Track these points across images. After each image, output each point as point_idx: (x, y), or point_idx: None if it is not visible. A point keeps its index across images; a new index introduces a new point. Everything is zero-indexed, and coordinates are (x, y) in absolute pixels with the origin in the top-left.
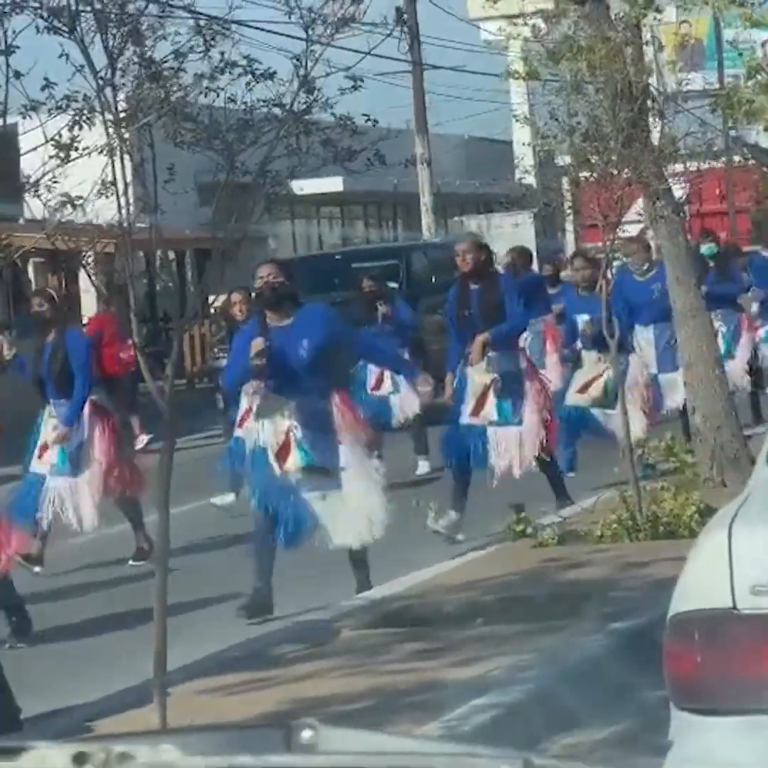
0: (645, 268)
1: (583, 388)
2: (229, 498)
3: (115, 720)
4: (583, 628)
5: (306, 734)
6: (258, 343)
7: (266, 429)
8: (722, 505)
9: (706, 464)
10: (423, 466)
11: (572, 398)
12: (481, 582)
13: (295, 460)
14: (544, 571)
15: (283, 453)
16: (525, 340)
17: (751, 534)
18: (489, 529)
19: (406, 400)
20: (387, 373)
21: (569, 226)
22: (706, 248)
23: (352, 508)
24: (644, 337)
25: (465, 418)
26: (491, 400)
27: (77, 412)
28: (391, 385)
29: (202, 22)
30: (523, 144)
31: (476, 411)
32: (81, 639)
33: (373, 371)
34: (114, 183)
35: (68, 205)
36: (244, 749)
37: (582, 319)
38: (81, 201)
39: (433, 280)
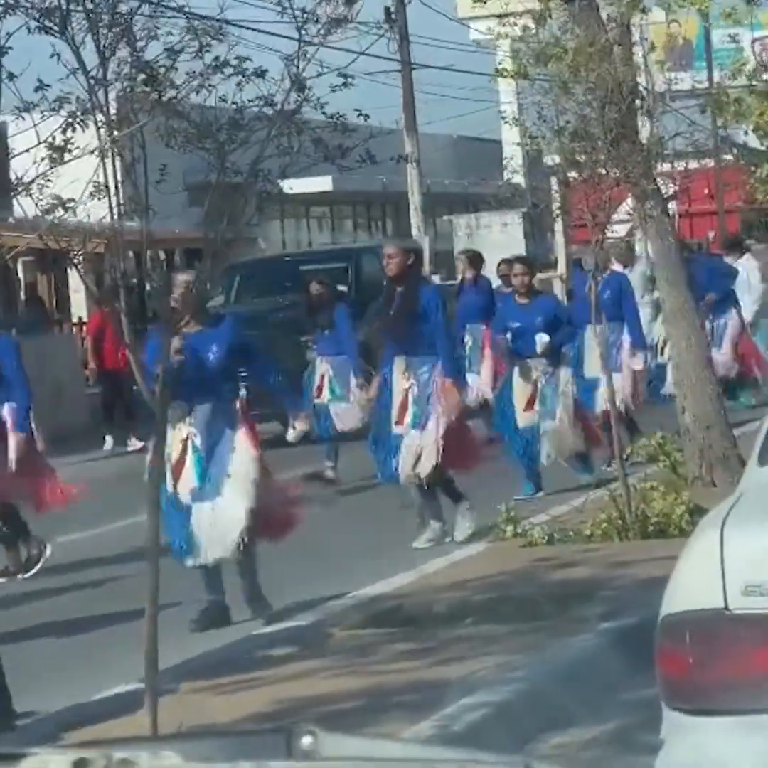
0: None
1: (529, 405)
2: None
3: (106, 720)
4: (572, 627)
5: (306, 740)
6: (177, 342)
7: (169, 438)
8: (712, 505)
9: (696, 463)
10: (329, 473)
11: (523, 420)
12: (470, 581)
13: (188, 474)
14: (533, 570)
15: (178, 467)
16: (466, 345)
17: (743, 534)
18: (477, 527)
19: (347, 413)
20: (326, 382)
21: (558, 226)
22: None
23: (225, 518)
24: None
25: (392, 427)
26: (410, 406)
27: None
28: (330, 394)
29: (194, 23)
30: (512, 144)
31: (400, 418)
32: (70, 638)
33: (317, 379)
34: (106, 185)
35: (60, 208)
36: (245, 755)
37: (513, 327)
38: (72, 204)
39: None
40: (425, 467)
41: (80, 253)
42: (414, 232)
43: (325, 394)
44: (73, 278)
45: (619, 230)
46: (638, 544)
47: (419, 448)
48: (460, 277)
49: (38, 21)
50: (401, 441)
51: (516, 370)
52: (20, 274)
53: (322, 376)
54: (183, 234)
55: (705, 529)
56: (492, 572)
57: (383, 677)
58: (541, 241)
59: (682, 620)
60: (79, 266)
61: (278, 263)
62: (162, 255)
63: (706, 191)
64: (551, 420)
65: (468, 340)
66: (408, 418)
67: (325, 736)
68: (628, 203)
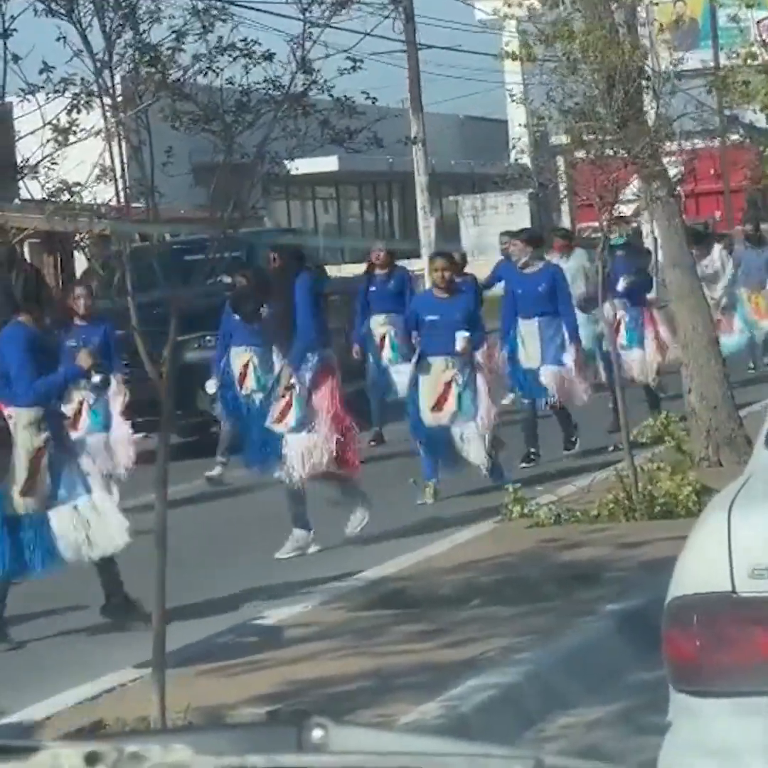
0: (529, 260)
1: (438, 405)
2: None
3: (114, 702)
4: (579, 608)
5: (317, 733)
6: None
7: None
8: (718, 485)
9: (702, 444)
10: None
11: (430, 418)
12: (476, 562)
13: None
14: (540, 551)
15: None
16: (387, 335)
17: (750, 517)
18: (483, 508)
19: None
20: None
21: (565, 207)
22: (614, 238)
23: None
24: (528, 329)
25: (269, 422)
26: (292, 405)
27: None
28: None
29: (199, 4)
30: (519, 124)
31: (280, 417)
32: (76, 621)
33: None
34: (112, 168)
35: (66, 192)
36: (255, 748)
37: (429, 321)
38: (79, 188)
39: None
40: (313, 468)
41: (86, 235)
42: (419, 212)
43: (251, 383)
44: (80, 261)
45: (625, 211)
46: (645, 525)
47: (307, 449)
48: (367, 266)
49: (44, 3)
50: (282, 439)
51: (427, 366)
52: (27, 257)
53: (246, 366)
54: (188, 215)
55: (712, 512)
56: (498, 553)
57: (389, 659)
58: (547, 221)
59: (689, 603)
60: (86, 249)
61: (165, 252)
62: (167, 236)
63: (711, 171)
64: (471, 423)
65: (387, 330)
66: (291, 420)
67: (335, 728)
68: (635, 184)
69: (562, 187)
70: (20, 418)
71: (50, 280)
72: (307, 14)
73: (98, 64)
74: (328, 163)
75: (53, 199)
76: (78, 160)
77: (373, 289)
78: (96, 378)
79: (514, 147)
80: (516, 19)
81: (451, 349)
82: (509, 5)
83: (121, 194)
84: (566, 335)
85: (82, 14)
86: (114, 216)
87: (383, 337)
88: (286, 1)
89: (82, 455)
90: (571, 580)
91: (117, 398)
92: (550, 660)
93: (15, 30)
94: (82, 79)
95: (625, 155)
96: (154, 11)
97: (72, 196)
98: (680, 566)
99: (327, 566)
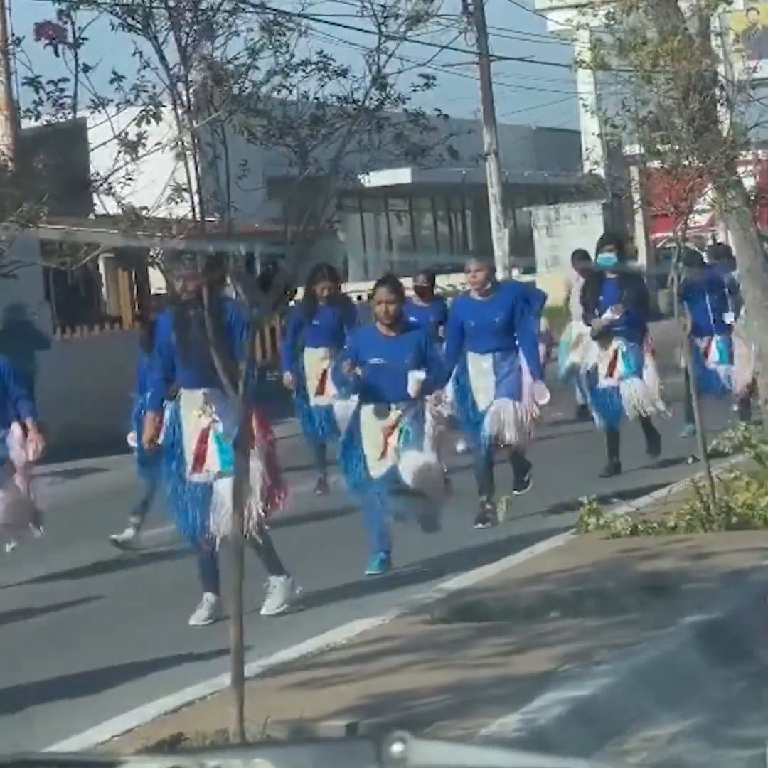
0: (487, 288)
1: (383, 453)
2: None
3: (194, 715)
4: (658, 620)
5: (397, 748)
6: None
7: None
8: None
9: None
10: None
11: (378, 468)
12: (554, 574)
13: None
14: (617, 562)
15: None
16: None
17: None
18: (559, 520)
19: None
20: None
21: (639, 217)
22: (604, 258)
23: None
24: (480, 365)
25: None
26: (212, 446)
27: None
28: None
29: (272, 19)
30: (592, 134)
31: (198, 465)
32: (151, 632)
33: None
34: (188, 182)
35: (133, 215)
36: (335, 763)
37: (374, 364)
38: (146, 211)
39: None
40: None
41: (160, 252)
42: (493, 224)
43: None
44: (156, 276)
45: (700, 220)
46: (722, 536)
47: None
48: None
49: (121, 17)
50: (204, 492)
51: (367, 412)
52: (102, 271)
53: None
54: (263, 228)
55: None
56: (576, 565)
57: (468, 672)
58: (621, 231)
59: None
60: (161, 264)
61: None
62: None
63: None
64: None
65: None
66: (214, 465)
67: (415, 742)
68: (709, 194)
69: (636, 197)
70: None
71: (125, 296)
72: (383, 28)
73: (173, 79)
74: (402, 175)
75: (126, 216)
76: (152, 177)
77: (316, 322)
78: None
79: (587, 157)
80: (589, 28)
81: (398, 396)
82: (583, 13)
83: (196, 209)
84: (529, 373)
85: (157, 29)
86: (188, 231)
87: (324, 373)
88: (361, 15)
89: None
90: (648, 591)
91: (29, 446)
92: (629, 672)
93: (86, 38)
94: (153, 86)
95: (700, 165)
96: (230, 25)
97: (139, 219)
98: None
99: (406, 578)
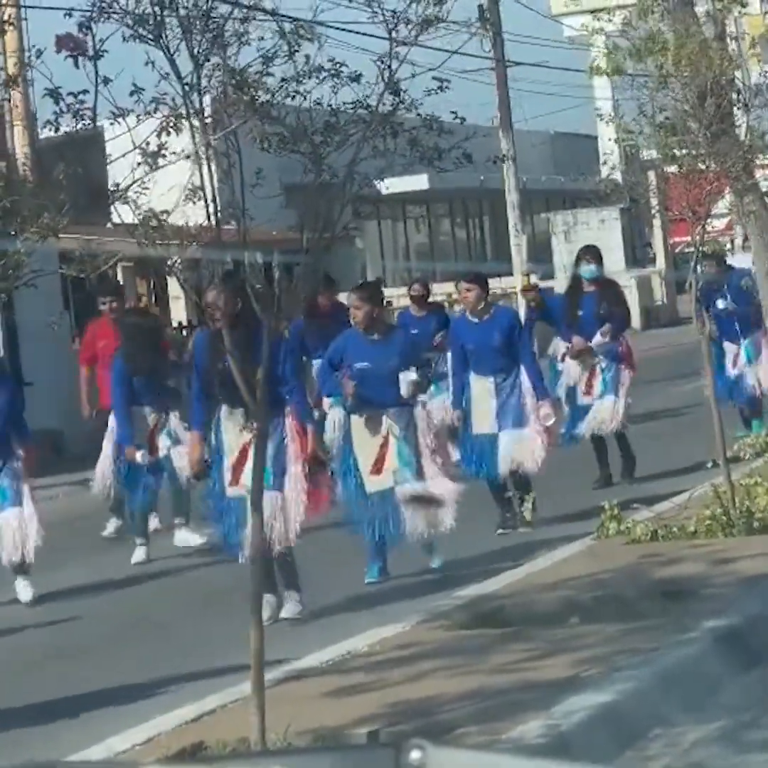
0: (480, 309)
1: (377, 467)
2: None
3: (214, 724)
4: (679, 625)
5: (415, 754)
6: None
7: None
8: None
9: None
10: (111, 526)
11: (372, 484)
12: (575, 580)
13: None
14: (638, 568)
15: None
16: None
17: None
18: (580, 526)
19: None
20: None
21: (657, 222)
22: (586, 270)
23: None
24: (481, 387)
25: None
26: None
27: None
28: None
29: (286, 26)
30: (609, 139)
31: (234, 480)
32: (172, 642)
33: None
34: (202, 188)
35: (154, 219)
36: None
37: (360, 368)
38: (166, 215)
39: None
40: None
41: (177, 259)
42: (511, 229)
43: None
44: (173, 283)
45: (717, 225)
46: (743, 541)
47: (280, 508)
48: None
49: (132, 28)
50: (238, 505)
51: (358, 422)
52: (120, 279)
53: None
54: (280, 235)
55: None
56: (596, 570)
57: (490, 677)
58: (639, 236)
59: None
60: (178, 272)
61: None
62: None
63: None
64: (414, 481)
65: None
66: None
67: (434, 750)
68: (727, 198)
69: (653, 202)
70: None
71: (144, 304)
72: (394, 34)
73: (186, 88)
74: (419, 182)
75: (144, 225)
76: (169, 185)
77: (316, 331)
78: None
79: (605, 162)
80: (604, 33)
81: (388, 401)
82: (598, 18)
83: (212, 217)
84: (533, 393)
85: (169, 39)
86: (205, 240)
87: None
88: (372, 21)
89: None
90: (669, 596)
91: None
92: (650, 678)
93: (106, 51)
94: (173, 98)
95: (718, 169)
96: (242, 34)
97: (160, 223)
98: None
99: (427, 585)
